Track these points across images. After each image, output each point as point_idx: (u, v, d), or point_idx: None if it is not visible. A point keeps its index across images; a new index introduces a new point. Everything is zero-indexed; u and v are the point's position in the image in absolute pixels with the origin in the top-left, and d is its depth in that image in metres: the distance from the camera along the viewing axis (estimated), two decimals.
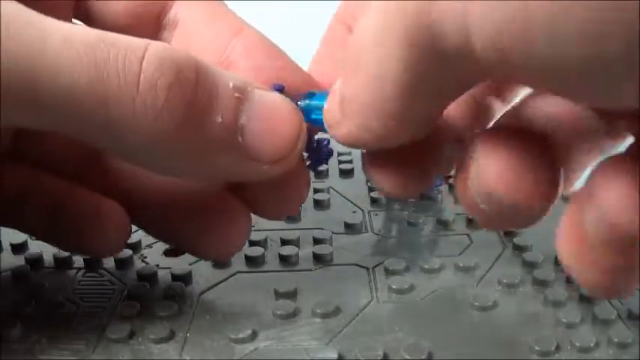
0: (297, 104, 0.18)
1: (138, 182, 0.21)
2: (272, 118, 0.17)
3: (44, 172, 0.21)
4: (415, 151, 0.16)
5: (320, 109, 0.17)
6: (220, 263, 0.23)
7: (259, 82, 0.18)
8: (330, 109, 0.16)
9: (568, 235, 0.14)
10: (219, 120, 0.16)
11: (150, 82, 0.15)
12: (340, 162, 0.32)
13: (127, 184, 0.21)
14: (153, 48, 0.15)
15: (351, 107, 0.15)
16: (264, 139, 0.17)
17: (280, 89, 0.18)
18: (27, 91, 0.14)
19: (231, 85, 0.16)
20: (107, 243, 0.21)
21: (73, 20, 0.21)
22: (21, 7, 0.15)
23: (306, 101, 0.18)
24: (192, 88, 0.15)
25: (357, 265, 0.23)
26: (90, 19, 0.21)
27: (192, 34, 0.20)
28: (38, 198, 0.21)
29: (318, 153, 0.20)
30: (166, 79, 0.15)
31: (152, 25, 0.21)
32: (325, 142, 0.20)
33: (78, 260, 0.23)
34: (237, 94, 0.16)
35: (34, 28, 0.15)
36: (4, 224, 0.22)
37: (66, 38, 0.15)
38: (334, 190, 0.29)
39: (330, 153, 0.20)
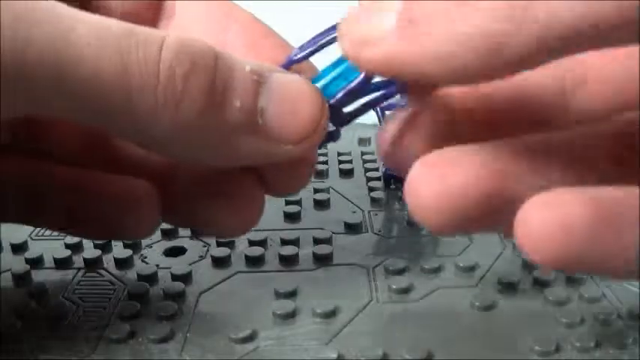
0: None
1: (157, 165, 0.21)
2: (292, 99, 0.17)
3: (56, 163, 0.21)
4: None
5: (336, 79, 0.17)
6: (229, 235, 0.23)
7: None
8: (376, 26, 0.14)
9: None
10: (238, 104, 0.16)
11: (169, 71, 0.15)
12: (340, 162, 0.32)
13: (146, 167, 0.21)
14: (171, 38, 0.15)
15: (428, 26, 0.13)
16: (285, 119, 0.17)
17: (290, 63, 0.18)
18: (53, 79, 0.15)
19: (248, 69, 0.16)
20: (142, 223, 0.21)
21: None
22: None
23: (321, 80, 0.17)
24: (210, 74, 0.16)
25: (357, 265, 0.23)
26: (89, 9, 0.21)
27: (188, 20, 0.21)
28: (53, 189, 0.21)
29: (336, 117, 0.18)
30: (184, 67, 0.15)
31: (151, 14, 0.21)
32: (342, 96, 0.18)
33: (78, 260, 0.23)
34: (254, 77, 0.16)
35: (60, 17, 0.15)
36: (23, 221, 0.22)
37: (91, 28, 0.15)
38: (334, 190, 0.29)
39: (352, 116, 0.19)
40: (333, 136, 0.19)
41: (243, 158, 0.18)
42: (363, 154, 0.34)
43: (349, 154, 0.33)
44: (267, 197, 0.29)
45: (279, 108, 0.16)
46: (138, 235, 0.22)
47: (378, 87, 0.18)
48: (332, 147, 0.35)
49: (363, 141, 0.36)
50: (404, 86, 0.17)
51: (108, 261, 0.23)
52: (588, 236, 0.13)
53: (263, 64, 0.17)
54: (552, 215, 0.13)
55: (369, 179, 0.30)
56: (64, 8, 0.15)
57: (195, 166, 0.20)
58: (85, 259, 0.23)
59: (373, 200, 0.28)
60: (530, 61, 0.13)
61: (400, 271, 0.22)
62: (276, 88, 0.17)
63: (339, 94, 0.17)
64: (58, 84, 0.15)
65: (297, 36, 0.23)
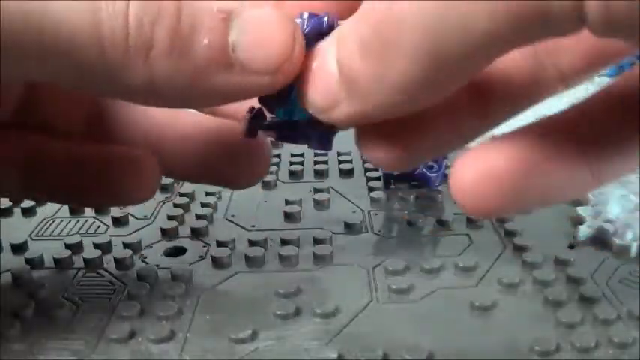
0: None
1: (156, 131, 0.22)
2: (263, 29, 0.17)
3: (53, 137, 0.22)
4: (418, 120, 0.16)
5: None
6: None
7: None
8: (326, 88, 0.15)
9: None
10: (207, 42, 0.17)
11: (137, 21, 0.16)
12: (340, 162, 0.32)
13: (145, 134, 0.22)
14: None
15: (371, 82, 0.14)
16: (257, 50, 0.17)
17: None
18: (34, 43, 0.16)
19: (214, 8, 0.17)
20: (141, 188, 0.22)
21: None
22: None
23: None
24: (175, 18, 0.16)
25: (357, 265, 0.23)
26: None
27: None
28: (51, 161, 0.21)
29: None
30: (151, 16, 0.16)
31: None
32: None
33: (78, 260, 0.23)
34: (222, 16, 0.17)
35: None
36: (26, 195, 0.24)
37: None
38: (334, 190, 0.29)
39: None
40: (324, 145, 0.19)
41: (221, 96, 0.18)
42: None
43: (349, 154, 0.33)
44: (266, 197, 0.29)
45: (250, 40, 0.17)
46: (140, 197, 0.23)
47: None
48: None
49: None
50: None
51: (108, 261, 0.23)
52: (510, 186, 0.15)
53: (234, 2, 0.17)
54: (475, 169, 0.15)
55: (369, 179, 0.30)
56: None
57: (198, 127, 0.22)
58: (85, 259, 0.23)
59: (373, 200, 0.28)
60: (468, 71, 0.14)
61: (400, 271, 0.22)
62: (247, 22, 0.17)
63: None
64: (39, 46, 0.16)
65: None
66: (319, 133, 0.19)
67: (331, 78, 0.15)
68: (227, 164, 0.22)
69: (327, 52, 0.16)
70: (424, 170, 0.29)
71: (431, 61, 0.13)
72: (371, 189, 0.29)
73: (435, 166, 0.30)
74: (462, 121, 0.17)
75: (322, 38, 0.17)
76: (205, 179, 0.23)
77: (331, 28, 0.17)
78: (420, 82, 0.14)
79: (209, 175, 0.23)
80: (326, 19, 0.17)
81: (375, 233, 0.25)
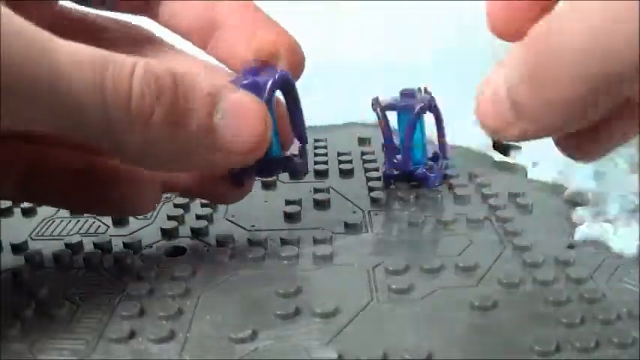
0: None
1: None
2: (242, 116, 0.20)
3: (56, 146, 0.23)
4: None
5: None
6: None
7: (245, 41, 0.22)
8: (498, 112, 0.17)
9: None
10: (197, 119, 0.19)
11: (140, 91, 0.18)
12: (340, 162, 0.32)
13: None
14: (140, 64, 0.18)
15: (536, 110, 0.17)
16: (236, 137, 0.20)
17: (256, 72, 0.21)
18: (33, 94, 0.17)
19: (205, 91, 0.19)
20: (141, 202, 0.23)
21: None
22: (26, 24, 0.17)
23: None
24: (173, 94, 0.19)
25: (357, 265, 0.23)
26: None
27: (181, 6, 0.23)
28: (53, 169, 0.22)
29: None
30: (152, 88, 0.18)
31: (143, 3, 0.24)
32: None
33: (78, 260, 0.23)
34: (210, 99, 0.19)
35: (41, 44, 0.17)
36: (25, 200, 0.26)
37: (71, 53, 0.17)
38: (334, 190, 0.29)
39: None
40: (297, 171, 0.24)
41: (202, 167, 0.22)
42: (363, 154, 0.34)
43: (349, 154, 0.33)
44: (266, 197, 0.30)
45: (231, 125, 0.20)
46: (140, 211, 0.25)
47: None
48: (332, 147, 0.35)
49: (363, 141, 0.36)
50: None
51: (108, 261, 0.23)
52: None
53: (217, 84, 0.20)
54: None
55: (369, 179, 0.30)
56: (43, 33, 0.17)
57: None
58: (85, 259, 0.23)
59: (373, 200, 0.28)
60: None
61: (400, 271, 0.22)
62: (229, 107, 0.20)
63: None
64: (38, 99, 0.17)
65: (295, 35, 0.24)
66: (293, 165, 0.23)
67: (503, 105, 0.17)
68: (218, 184, 0.24)
69: (498, 80, 0.17)
70: (424, 170, 0.29)
71: (588, 88, 0.15)
72: (371, 189, 0.29)
73: (435, 165, 0.30)
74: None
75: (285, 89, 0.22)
76: (199, 197, 0.26)
77: (285, 82, 0.22)
78: (580, 107, 0.16)
79: (203, 194, 0.25)
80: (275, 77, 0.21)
81: (375, 233, 0.25)
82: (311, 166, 0.32)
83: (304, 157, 0.24)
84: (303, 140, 0.24)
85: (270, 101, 0.21)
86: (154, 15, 0.24)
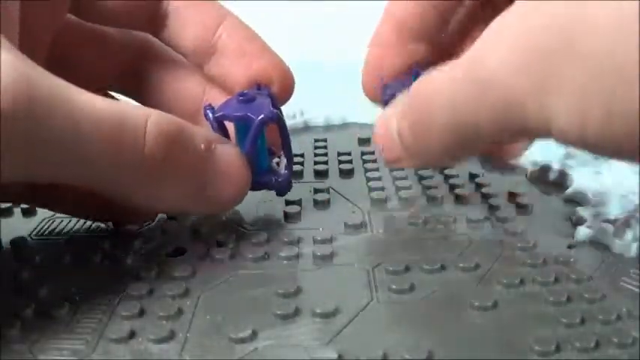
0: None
1: None
2: (227, 171, 0.22)
3: None
4: None
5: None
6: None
7: (241, 67, 0.25)
8: (391, 149, 0.22)
9: None
10: (192, 180, 0.22)
11: (154, 139, 0.20)
12: (340, 162, 0.32)
13: None
14: (151, 119, 0.20)
15: (417, 151, 0.21)
16: (222, 192, 0.23)
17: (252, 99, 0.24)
18: (53, 153, 0.18)
19: (202, 145, 0.22)
20: (141, 212, 0.25)
21: None
22: (55, 83, 0.18)
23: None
24: (180, 150, 0.21)
25: (357, 265, 0.23)
26: (84, 15, 0.25)
27: (182, 27, 0.25)
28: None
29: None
30: (162, 146, 0.20)
31: (145, 20, 0.25)
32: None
33: (78, 260, 0.23)
34: (203, 153, 0.22)
35: (67, 111, 0.18)
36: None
37: (90, 112, 0.19)
38: (334, 190, 0.29)
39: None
40: (281, 190, 0.26)
41: (194, 212, 0.25)
42: (363, 154, 0.34)
43: (349, 154, 0.33)
44: (266, 197, 0.30)
45: (219, 180, 0.22)
46: (137, 222, 0.26)
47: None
48: (332, 147, 0.35)
49: (363, 141, 0.36)
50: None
51: (108, 261, 0.23)
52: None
53: (210, 137, 0.22)
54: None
55: (369, 179, 0.30)
56: (69, 93, 0.18)
57: None
58: (85, 259, 0.23)
59: (373, 200, 0.28)
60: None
61: (400, 271, 0.22)
62: (218, 162, 0.22)
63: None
64: (60, 156, 0.18)
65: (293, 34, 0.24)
66: (280, 180, 0.25)
67: (394, 144, 0.22)
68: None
69: (391, 121, 0.22)
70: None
71: (455, 141, 0.20)
72: (371, 189, 0.29)
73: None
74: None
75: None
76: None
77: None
78: (451, 151, 0.20)
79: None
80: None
81: (375, 233, 0.25)
82: (311, 166, 0.32)
83: (289, 170, 0.26)
84: (290, 161, 0.26)
85: (256, 136, 0.24)
86: (155, 33, 0.26)
